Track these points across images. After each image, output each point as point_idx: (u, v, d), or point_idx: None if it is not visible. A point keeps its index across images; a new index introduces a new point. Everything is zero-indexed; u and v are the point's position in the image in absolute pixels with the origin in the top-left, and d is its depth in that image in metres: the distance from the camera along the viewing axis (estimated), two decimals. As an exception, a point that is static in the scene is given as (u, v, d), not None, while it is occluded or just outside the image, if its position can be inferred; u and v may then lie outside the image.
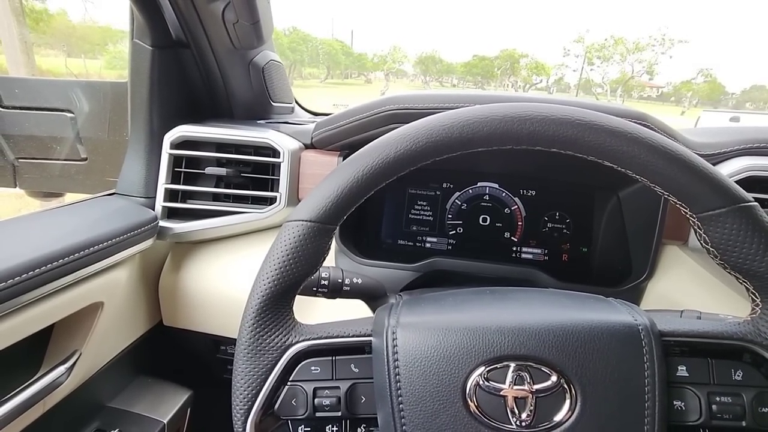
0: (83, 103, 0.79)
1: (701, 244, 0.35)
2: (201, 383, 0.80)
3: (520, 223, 0.77)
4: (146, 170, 0.71)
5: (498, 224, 0.78)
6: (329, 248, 0.38)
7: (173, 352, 0.81)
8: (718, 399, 0.34)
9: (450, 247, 0.80)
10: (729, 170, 0.58)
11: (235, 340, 0.38)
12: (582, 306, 0.39)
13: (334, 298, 0.55)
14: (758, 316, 0.35)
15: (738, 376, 0.35)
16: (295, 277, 0.37)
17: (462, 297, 0.43)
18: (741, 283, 0.35)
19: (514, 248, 0.78)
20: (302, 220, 0.37)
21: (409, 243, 0.82)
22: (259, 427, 0.37)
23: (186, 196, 0.73)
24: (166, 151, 0.70)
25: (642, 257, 0.65)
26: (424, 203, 0.81)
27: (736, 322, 0.36)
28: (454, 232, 0.80)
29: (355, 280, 0.55)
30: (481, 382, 0.34)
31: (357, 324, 0.40)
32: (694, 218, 0.34)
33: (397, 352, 0.36)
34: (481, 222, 0.79)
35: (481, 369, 0.35)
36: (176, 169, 0.71)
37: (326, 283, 0.53)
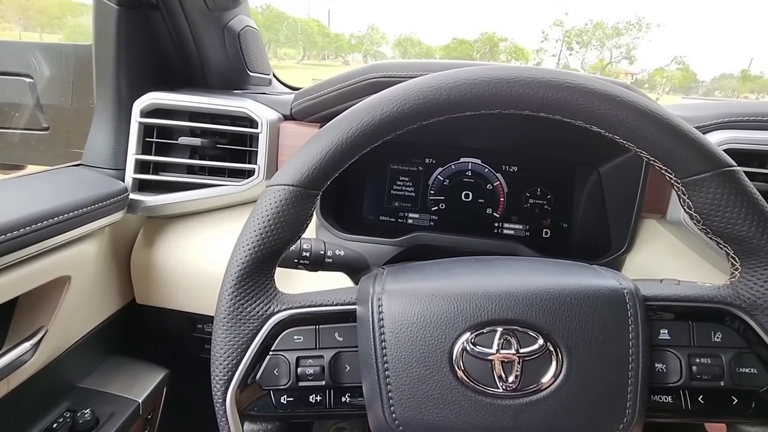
0: (43, 68, 0.74)
1: (684, 209, 0.35)
2: (177, 362, 0.78)
3: (502, 199, 0.78)
4: (114, 140, 0.68)
5: (480, 200, 0.78)
6: (312, 215, 0.37)
7: (147, 331, 0.78)
8: (697, 360, 0.36)
9: (432, 223, 0.80)
10: None
11: (213, 317, 0.37)
12: (568, 272, 0.39)
13: (316, 270, 0.54)
14: (737, 279, 0.36)
15: (717, 338, 0.36)
16: (277, 243, 0.36)
17: (447, 265, 0.43)
18: (722, 248, 0.36)
19: (496, 224, 0.79)
20: (284, 185, 0.35)
21: (391, 219, 0.81)
22: (240, 398, 0.36)
23: (158, 167, 0.69)
24: (136, 119, 0.66)
25: (621, 231, 0.67)
26: (407, 179, 0.80)
27: (715, 286, 0.37)
28: (436, 207, 0.80)
29: (337, 252, 0.54)
30: (468, 347, 0.34)
31: (341, 293, 0.39)
32: (678, 183, 0.35)
33: (382, 319, 0.36)
34: (463, 198, 0.79)
35: (468, 334, 0.35)
36: (147, 139, 0.68)
37: (308, 254, 0.52)
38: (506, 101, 0.35)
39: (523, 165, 0.78)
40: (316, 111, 0.68)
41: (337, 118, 0.37)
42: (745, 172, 0.56)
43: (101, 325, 0.69)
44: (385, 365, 0.35)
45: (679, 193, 0.35)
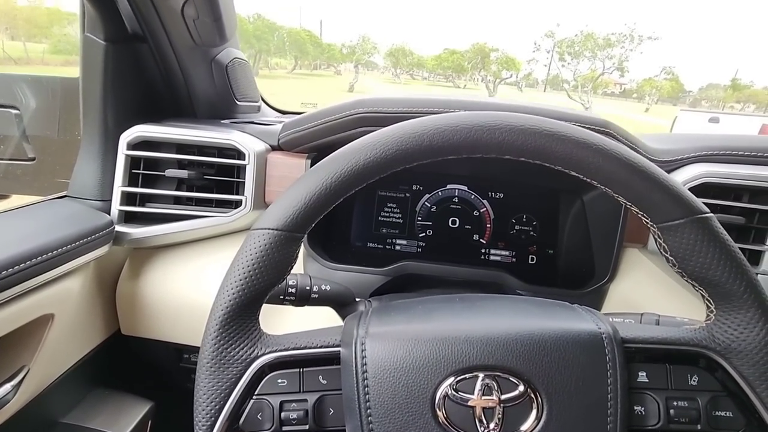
0: (30, 100, 0.74)
1: (660, 252, 0.36)
2: (163, 394, 0.78)
3: (488, 225, 0.79)
4: (101, 172, 0.68)
5: (467, 226, 0.80)
6: (297, 257, 0.37)
7: (132, 362, 0.78)
8: (675, 403, 0.36)
9: (420, 250, 0.81)
10: (686, 176, 0.61)
11: (199, 348, 0.37)
12: (548, 314, 0.40)
13: (302, 305, 0.55)
14: (712, 322, 0.37)
15: (694, 381, 0.37)
16: (261, 287, 0.36)
17: (431, 305, 0.43)
18: (697, 290, 0.37)
19: (483, 250, 0.80)
20: (269, 228, 0.36)
21: (379, 245, 0.82)
22: None
23: (144, 199, 0.70)
24: (123, 151, 0.66)
25: (604, 260, 0.68)
26: (394, 205, 0.81)
27: (692, 328, 0.38)
28: (423, 234, 0.81)
29: (323, 287, 0.54)
30: (449, 393, 0.35)
31: (325, 334, 0.39)
32: (654, 227, 0.36)
33: (366, 363, 0.36)
34: (450, 224, 0.80)
35: (450, 380, 0.35)
36: (134, 171, 0.68)
37: (294, 291, 0.53)
38: (487, 147, 0.37)
39: (508, 192, 0.79)
40: (303, 142, 0.69)
41: (321, 162, 0.37)
42: (720, 205, 0.58)
43: (85, 358, 0.69)
44: (368, 410, 0.35)
45: (656, 236, 0.36)
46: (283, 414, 0.37)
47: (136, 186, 0.68)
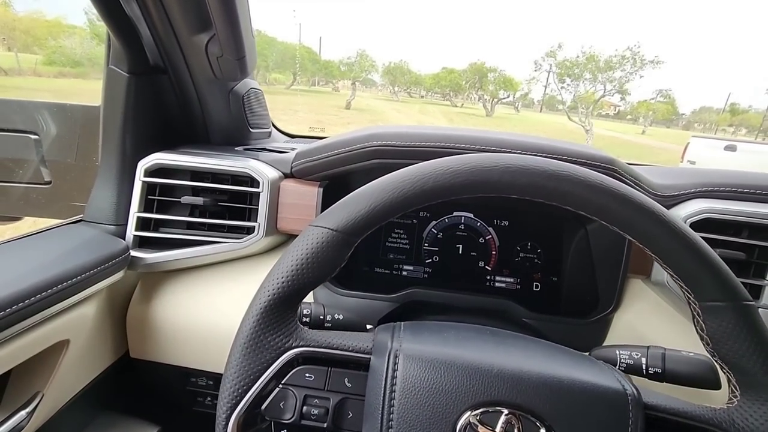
0: (50, 126, 0.77)
1: (696, 331, 0.38)
2: (169, 417, 0.78)
3: (493, 252, 0.81)
4: (117, 197, 0.70)
5: (473, 253, 0.82)
6: (346, 259, 0.39)
7: (140, 384, 0.78)
8: None
9: (426, 276, 0.83)
10: (687, 211, 0.63)
11: (207, 372, 0.39)
12: (576, 364, 0.41)
13: None
14: (735, 406, 0.38)
15: None
16: (309, 280, 0.38)
17: (464, 333, 0.45)
18: (725, 373, 0.38)
19: (488, 277, 0.82)
20: (327, 228, 0.38)
21: (386, 271, 0.84)
22: (241, 422, 0.37)
23: (158, 224, 0.71)
24: (140, 178, 0.68)
25: (608, 289, 0.70)
26: (401, 231, 0.83)
27: (713, 407, 0.39)
28: (430, 260, 0.83)
29: (336, 317, 0.56)
30: (472, 422, 0.36)
31: (358, 339, 0.41)
32: (696, 305, 0.37)
33: (396, 377, 0.37)
34: (456, 251, 0.82)
35: (476, 410, 0.36)
36: (149, 197, 0.70)
37: (308, 319, 0.54)
38: (565, 198, 0.38)
39: (513, 219, 0.81)
40: (315, 171, 0.71)
41: (391, 175, 0.39)
42: (720, 240, 0.61)
43: (94, 382, 0.69)
44: (390, 422, 0.36)
45: (695, 314, 0.37)
46: (305, 408, 0.38)
47: (152, 212, 0.70)
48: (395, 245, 0.84)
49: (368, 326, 0.61)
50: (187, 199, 0.69)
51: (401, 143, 0.65)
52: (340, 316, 0.56)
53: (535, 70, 15.34)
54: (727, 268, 0.36)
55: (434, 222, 0.82)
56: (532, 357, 0.41)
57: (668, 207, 0.67)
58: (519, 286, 0.82)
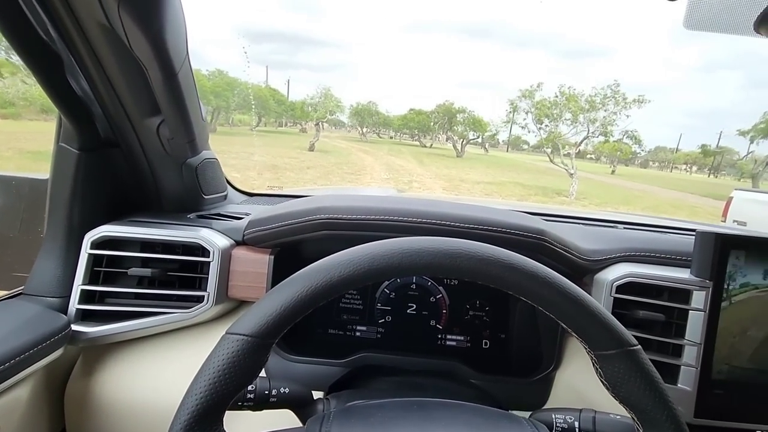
0: (-6, 199, 0.78)
1: (597, 377, 0.43)
2: None
3: (444, 311, 0.87)
4: (62, 269, 0.71)
5: (424, 312, 0.87)
6: (266, 362, 0.42)
7: None
8: None
9: (379, 336, 0.87)
10: (614, 275, 0.70)
11: None
12: (496, 429, 0.45)
13: (261, 410, 0.58)
14: None
15: None
16: (229, 390, 0.40)
17: (389, 413, 0.48)
18: (628, 413, 0.43)
19: (440, 335, 0.87)
20: (242, 335, 0.40)
21: (340, 332, 0.87)
22: None
23: (105, 295, 0.73)
24: (86, 251, 0.70)
25: (550, 348, 0.76)
26: (354, 293, 0.88)
27: None
28: (383, 320, 0.87)
29: (282, 390, 0.58)
30: None
31: None
32: (592, 354, 0.43)
33: None
34: (408, 310, 0.87)
35: None
36: (96, 269, 0.72)
37: (252, 396, 0.56)
38: (447, 271, 0.43)
39: (462, 279, 0.88)
40: (267, 240, 0.75)
41: (297, 274, 0.43)
42: (641, 302, 0.68)
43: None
44: None
45: (593, 362, 0.43)
46: None
47: (97, 283, 0.71)
48: (349, 306, 0.88)
49: (315, 395, 0.64)
50: (134, 271, 0.71)
51: (348, 216, 0.70)
52: (286, 390, 0.59)
53: (510, 113, 14.82)
54: (614, 319, 0.42)
55: (387, 283, 0.87)
56: (455, 428, 0.45)
57: (596, 270, 0.75)
58: (469, 344, 0.87)
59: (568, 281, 0.43)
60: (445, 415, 0.48)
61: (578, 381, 0.74)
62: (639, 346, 0.42)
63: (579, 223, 0.96)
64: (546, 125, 13.45)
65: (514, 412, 0.56)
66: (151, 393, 0.72)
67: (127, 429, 0.72)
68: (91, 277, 0.71)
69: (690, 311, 0.66)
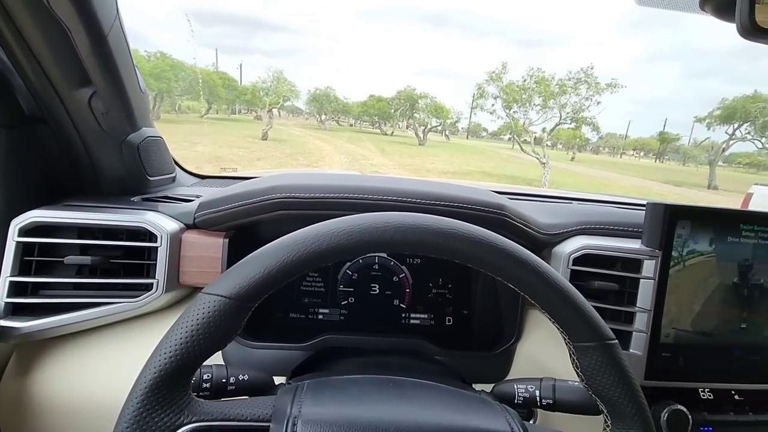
0: None
1: (573, 368, 0.45)
2: None
3: (407, 290, 0.87)
4: (-15, 261, 0.65)
5: (387, 292, 0.87)
6: (242, 326, 0.40)
7: None
8: None
9: (342, 318, 0.86)
10: (570, 248, 0.73)
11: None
12: (471, 410, 0.46)
13: (219, 399, 0.56)
14: None
15: None
16: (201, 352, 0.38)
17: (366, 388, 0.48)
18: (599, 405, 0.45)
19: (403, 315, 0.88)
20: (221, 296, 0.39)
21: (302, 315, 0.86)
22: None
23: (39, 287, 0.68)
24: (12, 239, 0.65)
25: (510, 321, 0.79)
26: (316, 275, 0.87)
27: None
28: (346, 302, 0.87)
29: (241, 378, 0.56)
30: None
31: (257, 405, 0.42)
32: (571, 345, 0.44)
33: None
34: (371, 290, 0.87)
35: None
36: (26, 258, 0.66)
37: (208, 384, 0.54)
38: (450, 252, 0.43)
39: (425, 257, 0.88)
40: (220, 222, 0.72)
41: (285, 238, 0.41)
42: (596, 273, 0.71)
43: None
44: None
45: (570, 352, 0.44)
46: None
47: (29, 275, 0.66)
48: (310, 289, 0.86)
49: (277, 380, 0.63)
50: (71, 260, 0.66)
51: (306, 195, 0.69)
52: (245, 377, 0.57)
53: (479, 98, 13.72)
54: (594, 311, 0.44)
55: (349, 264, 0.87)
56: (429, 407, 0.46)
57: (554, 244, 0.78)
58: (433, 322, 0.88)
59: (555, 271, 0.44)
60: (421, 395, 0.48)
61: (538, 352, 0.77)
62: (616, 341, 0.44)
63: (536, 200, 0.99)
64: (515, 111, 13.05)
65: (479, 389, 0.58)
66: (97, 389, 0.68)
67: (70, 430, 0.68)
68: (21, 268, 0.66)
69: (641, 280, 0.70)
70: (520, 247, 0.44)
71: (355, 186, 0.71)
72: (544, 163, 11.40)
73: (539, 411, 0.65)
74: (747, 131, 14.96)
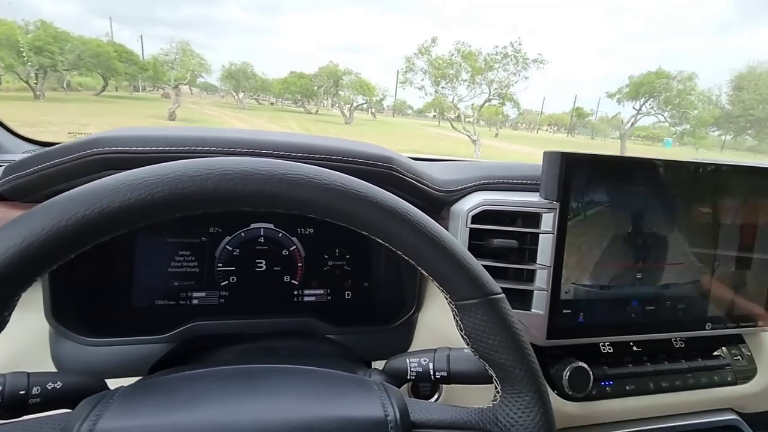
0: None
1: (458, 330, 0.39)
2: None
3: (300, 264, 0.78)
4: None
5: (276, 268, 0.77)
6: (5, 324, 0.30)
7: None
8: None
9: (223, 300, 0.75)
10: (470, 204, 0.68)
11: None
12: (336, 395, 0.40)
13: (19, 416, 0.43)
14: (498, 404, 0.39)
15: None
16: None
17: (204, 386, 0.39)
18: (488, 370, 0.39)
19: (296, 292, 0.78)
20: None
21: (170, 302, 0.73)
22: None
23: None
24: None
25: (411, 290, 0.72)
26: (188, 253, 0.74)
27: (479, 409, 0.41)
28: (226, 282, 0.75)
29: (50, 386, 0.43)
30: None
31: (43, 424, 0.33)
32: (452, 305, 0.38)
33: None
34: (257, 268, 0.76)
35: None
36: None
37: (0, 400, 0.41)
38: (285, 203, 0.34)
39: (319, 226, 0.79)
40: (31, 191, 0.57)
41: (58, 197, 0.30)
42: (497, 230, 0.66)
43: None
44: None
45: (453, 313, 0.38)
46: None
47: None
48: (180, 270, 0.73)
49: (111, 385, 0.50)
50: None
51: (135, 149, 0.55)
52: (57, 385, 0.44)
53: (407, 72, 13.28)
54: (478, 264, 0.38)
55: (228, 238, 0.75)
56: (284, 399, 0.38)
57: (453, 201, 0.72)
58: (330, 297, 0.80)
59: (431, 220, 0.37)
60: (277, 385, 0.41)
61: (439, 320, 0.72)
62: (503, 295, 0.38)
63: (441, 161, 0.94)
64: (443, 87, 12.91)
65: (380, 367, 0.52)
66: None
67: None
68: None
69: (540, 235, 0.66)
70: (387, 193, 0.37)
71: (203, 137, 0.58)
72: (474, 141, 11.44)
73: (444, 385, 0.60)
74: (650, 106, 16.39)
